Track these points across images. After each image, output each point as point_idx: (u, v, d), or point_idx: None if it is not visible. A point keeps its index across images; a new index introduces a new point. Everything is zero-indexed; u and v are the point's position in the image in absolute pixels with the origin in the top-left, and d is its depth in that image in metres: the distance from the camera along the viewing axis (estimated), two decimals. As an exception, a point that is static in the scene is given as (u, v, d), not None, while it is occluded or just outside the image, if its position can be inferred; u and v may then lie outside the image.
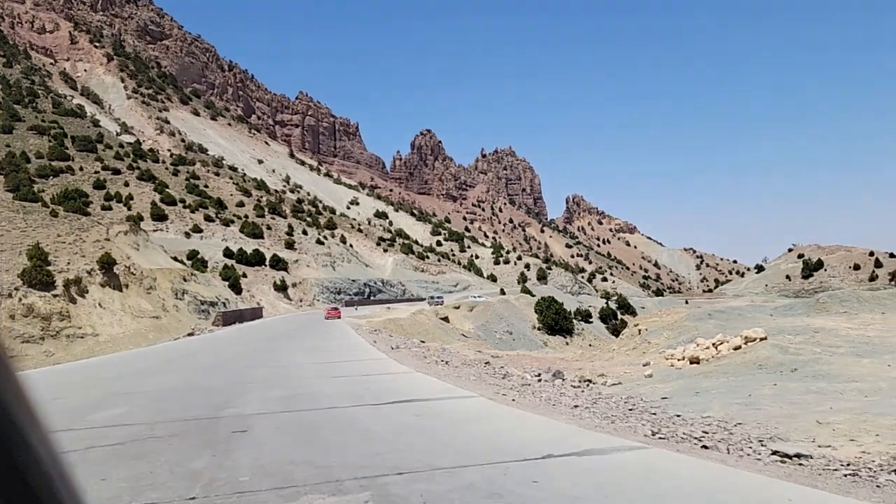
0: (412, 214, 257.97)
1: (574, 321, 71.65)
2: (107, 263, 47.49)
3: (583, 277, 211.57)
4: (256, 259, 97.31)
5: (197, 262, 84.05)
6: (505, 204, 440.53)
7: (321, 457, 6.65)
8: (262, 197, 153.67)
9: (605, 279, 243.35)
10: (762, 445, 8.13)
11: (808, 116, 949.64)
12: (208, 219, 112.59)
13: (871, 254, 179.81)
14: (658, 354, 25.61)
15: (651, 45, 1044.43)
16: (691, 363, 22.20)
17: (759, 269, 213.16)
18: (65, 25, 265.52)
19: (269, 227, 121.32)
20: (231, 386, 13.24)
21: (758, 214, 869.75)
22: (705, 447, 7.62)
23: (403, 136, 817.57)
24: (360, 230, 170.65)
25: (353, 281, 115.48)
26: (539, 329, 65.54)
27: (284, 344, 25.91)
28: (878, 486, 6.50)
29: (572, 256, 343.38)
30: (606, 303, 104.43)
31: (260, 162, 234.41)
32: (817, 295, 37.40)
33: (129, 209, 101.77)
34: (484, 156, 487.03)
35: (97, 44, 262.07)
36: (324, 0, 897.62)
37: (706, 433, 8.62)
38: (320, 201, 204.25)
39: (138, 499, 5.37)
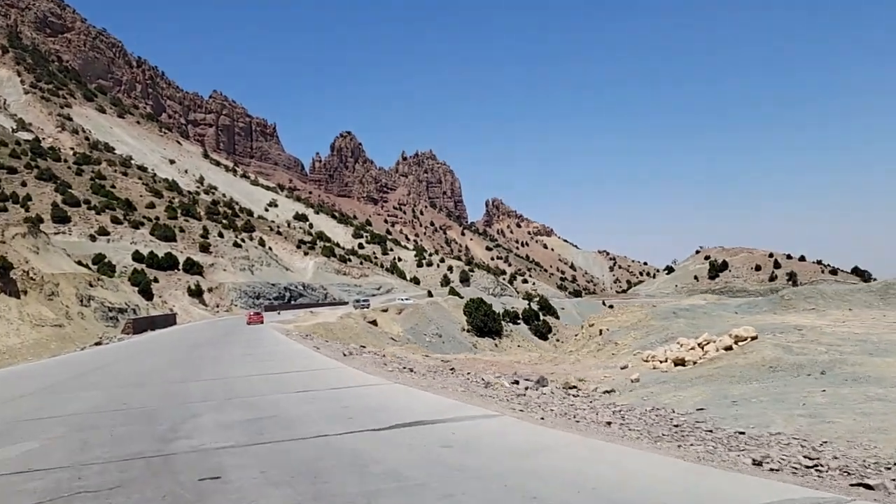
0: (333, 217, 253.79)
1: (503, 322, 71.83)
2: (1, 268, 43.57)
3: (504, 279, 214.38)
4: (169, 263, 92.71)
5: (104, 266, 79.21)
6: (426, 207, 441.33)
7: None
8: (174, 198, 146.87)
9: (525, 281, 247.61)
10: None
11: (716, 125, 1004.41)
12: (116, 221, 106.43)
13: (771, 255, 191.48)
14: (633, 356, 24.40)
15: (567, 47, 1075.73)
16: (676, 365, 20.92)
17: (670, 270, 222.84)
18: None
19: (182, 230, 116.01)
20: (171, 406, 11.01)
21: (668, 217, 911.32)
22: (868, 486, 6.02)
23: (323, 138, 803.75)
24: (279, 233, 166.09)
25: (273, 285, 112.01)
26: (468, 331, 65.29)
27: (213, 352, 23.65)
28: None
29: (492, 259, 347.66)
30: (529, 304, 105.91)
31: (172, 162, 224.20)
32: (781, 291, 37.25)
33: (28, 210, 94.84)
34: (405, 158, 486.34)
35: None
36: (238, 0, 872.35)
37: (810, 458, 7.11)
38: (237, 203, 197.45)
39: None
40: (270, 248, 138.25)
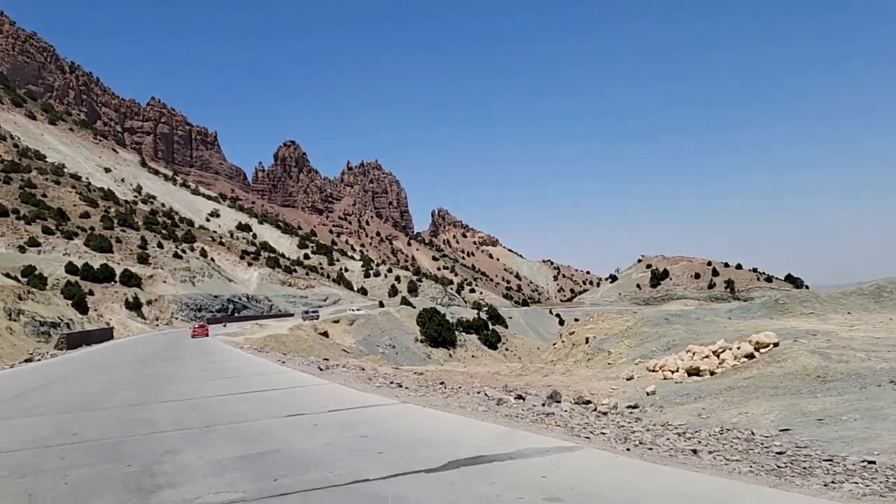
0: (277, 227, 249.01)
1: (456, 332, 71.31)
2: (-79, 281, 40.53)
3: (452, 289, 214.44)
4: (105, 275, 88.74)
5: (34, 278, 75.17)
6: (372, 217, 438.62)
7: None
8: (110, 207, 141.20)
9: (472, 291, 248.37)
10: None
11: (655, 136, 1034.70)
12: (47, 231, 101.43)
13: (709, 263, 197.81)
14: (634, 365, 22.65)
15: (509, 58, 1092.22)
16: (690, 375, 19.33)
17: (613, 278, 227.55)
18: None
19: (118, 240, 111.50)
20: (137, 437, 8.74)
21: (610, 226, 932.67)
22: None
23: (266, 147, 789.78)
24: (221, 243, 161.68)
25: (216, 297, 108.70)
26: (421, 341, 64.51)
27: (167, 368, 21.63)
28: None
29: (439, 269, 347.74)
30: (478, 314, 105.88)
31: (107, 170, 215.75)
32: (776, 295, 36.05)
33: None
34: (350, 168, 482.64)
35: None
36: (177, 5, 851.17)
37: None
38: (176, 213, 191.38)
39: None
40: (213, 259, 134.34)
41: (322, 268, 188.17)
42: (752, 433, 8.77)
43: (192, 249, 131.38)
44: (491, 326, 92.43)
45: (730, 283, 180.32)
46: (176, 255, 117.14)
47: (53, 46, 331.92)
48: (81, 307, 72.62)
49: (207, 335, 51.21)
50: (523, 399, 10.17)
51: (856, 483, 6.02)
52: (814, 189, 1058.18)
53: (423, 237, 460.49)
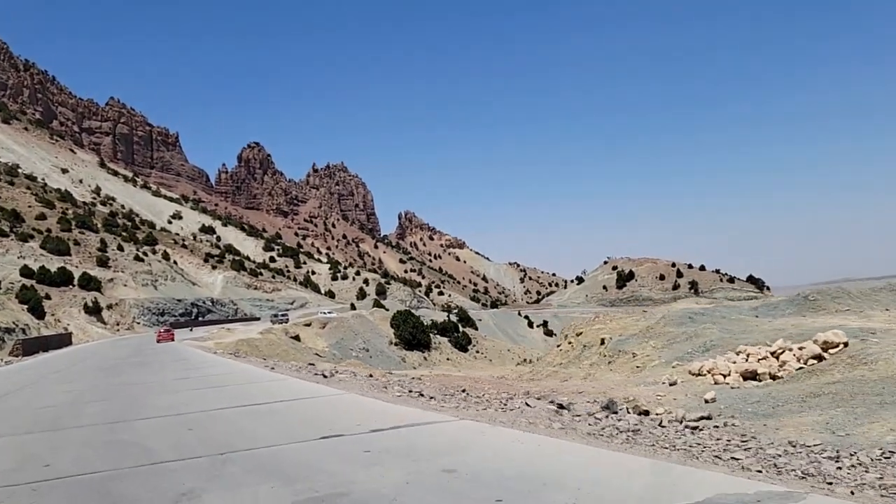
0: (242, 229, 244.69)
1: (431, 335, 70.31)
2: None
3: (420, 292, 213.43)
4: (62, 278, 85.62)
5: (-13, 282, 71.97)
6: (338, 220, 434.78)
7: None
8: (67, 209, 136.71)
9: (441, 293, 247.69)
10: None
11: (624, 138, 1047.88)
12: (1, 233, 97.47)
13: (674, 265, 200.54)
14: (671, 368, 20.72)
15: (473, 59, 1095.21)
16: (746, 379, 17.36)
17: (580, 280, 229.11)
18: None
19: (77, 243, 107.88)
20: (130, 470, 6.67)
21: (575, 228, 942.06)
22: None
23: (229, 149, 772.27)
24: (184, 246, 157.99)
25: (179, 301, 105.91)
26: (396, 344, 63.37)
27: (138, 376, 19.32)
28: None
29: (406, 272, 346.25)
30: (448, 316, 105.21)
31: (64, 171, 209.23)
32: (804, 291, 32.72)
33: None
34: (316, 171, 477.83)
35: None
36: (136, 3, 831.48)
37: None
38: (137, 215, 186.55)
39: None
40: (175, 262, 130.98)
41: (289, 271, 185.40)
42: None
43: (154, 252, 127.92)
44: (461, 329, 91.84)
45: (694, 284, 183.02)
46: (137, 258, 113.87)
47: (7, 44, 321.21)
48: (38, 312, 69.92)
49: (174, 340, 49.70)
50: (567, 409, 9.09)
51: None
52: (776, 191, 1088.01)
53: (389, 240, 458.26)
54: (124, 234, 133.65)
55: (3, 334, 52.68)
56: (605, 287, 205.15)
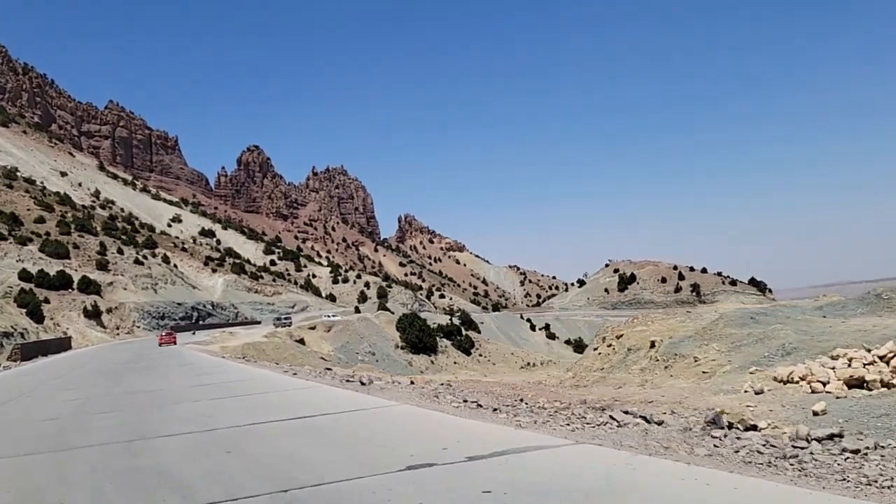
0: (242, 233, 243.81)
1: (437, 338, 69.25)
2: None
3: (421, 295, 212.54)
4: (61, 282, 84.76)
5: (-15, 286, 71.08)
6: (338, 223, 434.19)
7: None
8: (66, 212, 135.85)
9: (442, 296, 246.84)
10: None
11: (618, 140, 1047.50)
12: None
13: (675, 268, 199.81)
14: (749, 374, 18.80)
15: (473, 61, 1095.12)
16: (850, 387, 15.48)
17: (581, 283, 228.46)
18: None
19: (76, 246, 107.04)
20: None
21: (577, 231, 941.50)
22: None
23: (229, 152, 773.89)
24: (184, 249, 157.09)
25: (179, 304, 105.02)
26: (402, 348, 62.41)
27: (145, 383, 17.79)
28: None
29: (406, 275, 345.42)
30: (451, 319, 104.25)
31: (63, 174, 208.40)
32: (877, 289, 29.55)
33: None
34: (315, 174, 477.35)
35: None
36: (135, 7, 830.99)
37: None
38: (136, 218, 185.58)
39: None
40: (175, 266, 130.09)
41: (289, 274, 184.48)
42: None
43: (154, 255, 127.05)
44: (464, 332, 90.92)
45: (696, 287, 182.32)
46: (137, 262, 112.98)
47: (6, 47, 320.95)
48: (36, 316, 69.06)
49: (175, 343, 48.94)
50: (659, 424, 7.97)
51: None
52: (778, 193, 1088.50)
53: (389, 243, 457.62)
54: (124, 237, 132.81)
55: (1, 339, 51.84)
56: (606, 290, 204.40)
